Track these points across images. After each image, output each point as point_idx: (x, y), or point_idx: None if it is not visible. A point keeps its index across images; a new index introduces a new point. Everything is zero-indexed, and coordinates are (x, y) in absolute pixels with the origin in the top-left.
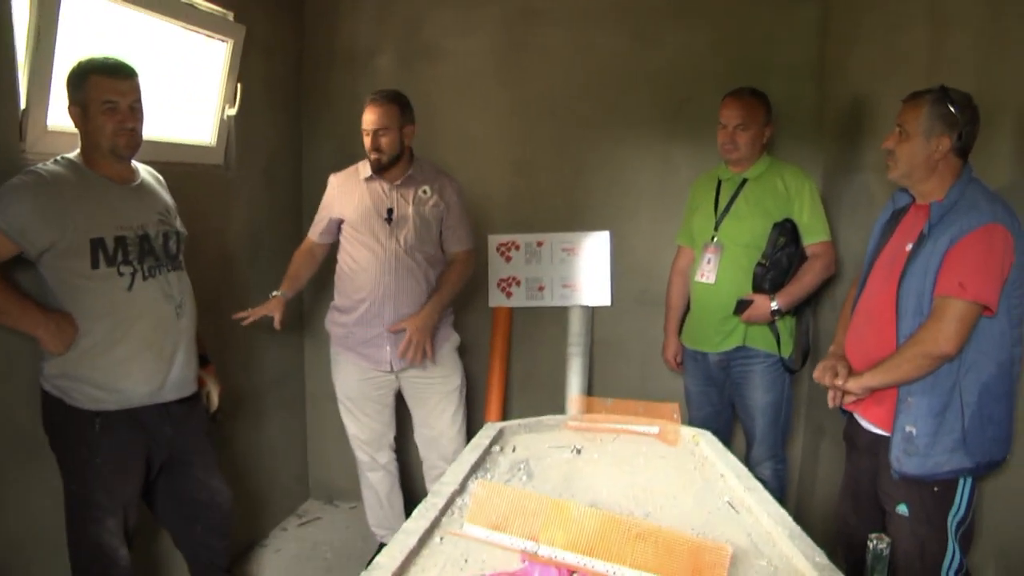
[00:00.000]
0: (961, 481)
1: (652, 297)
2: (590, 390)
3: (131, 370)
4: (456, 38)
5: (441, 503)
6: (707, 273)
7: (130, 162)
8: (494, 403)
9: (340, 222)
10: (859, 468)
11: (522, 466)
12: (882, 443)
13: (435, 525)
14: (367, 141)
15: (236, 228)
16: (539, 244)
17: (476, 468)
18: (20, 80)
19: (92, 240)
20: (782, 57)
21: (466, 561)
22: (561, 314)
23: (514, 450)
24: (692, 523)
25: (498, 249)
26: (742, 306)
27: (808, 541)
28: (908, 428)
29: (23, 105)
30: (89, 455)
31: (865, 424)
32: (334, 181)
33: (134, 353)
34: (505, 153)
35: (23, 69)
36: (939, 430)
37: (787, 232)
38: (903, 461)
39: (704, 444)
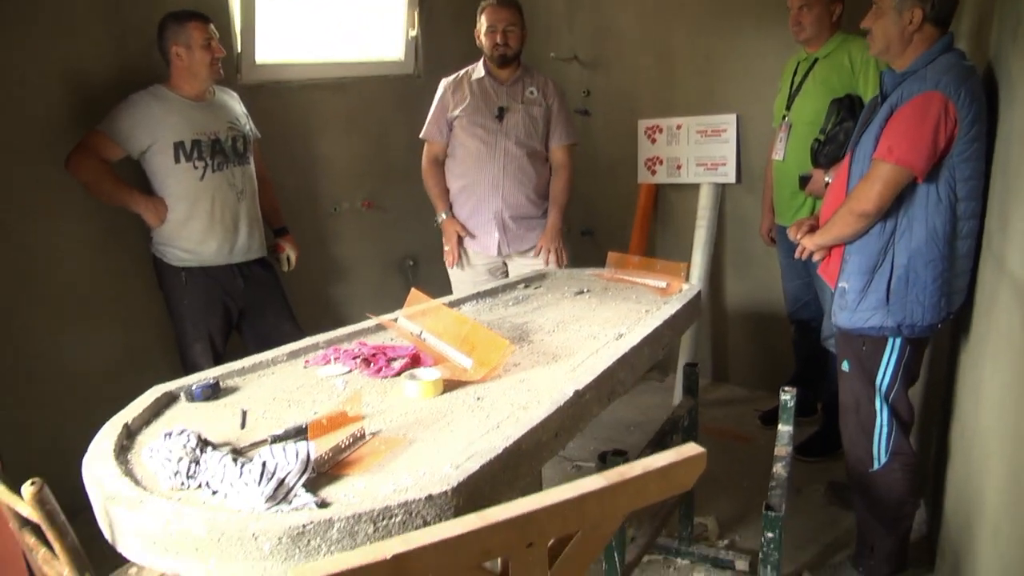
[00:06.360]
0: (889, 343)
1: None
2: (716, 260)
3: (205, 238)
4: None
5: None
6: (779, 151)
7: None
8: None
9: (453, 121)
10: None
11: (519, 297)
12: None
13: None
14: (495, 37)
15: None
16: (678, 127)
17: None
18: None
19: (175, 143)
20: None
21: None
22: (697, 190)
23: (538, 287)
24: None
25: (645, 132)
26: (803, 181)
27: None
28: (843, 284)
29: (238, 49)
30: (179, 298)
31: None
32: (446, 84)
33: (206, 226)
34: (649, 45)
35: (237, 22)
36: (867, 288)
37: (845, 107)
38: (837, 315)
39: (681, 293)
